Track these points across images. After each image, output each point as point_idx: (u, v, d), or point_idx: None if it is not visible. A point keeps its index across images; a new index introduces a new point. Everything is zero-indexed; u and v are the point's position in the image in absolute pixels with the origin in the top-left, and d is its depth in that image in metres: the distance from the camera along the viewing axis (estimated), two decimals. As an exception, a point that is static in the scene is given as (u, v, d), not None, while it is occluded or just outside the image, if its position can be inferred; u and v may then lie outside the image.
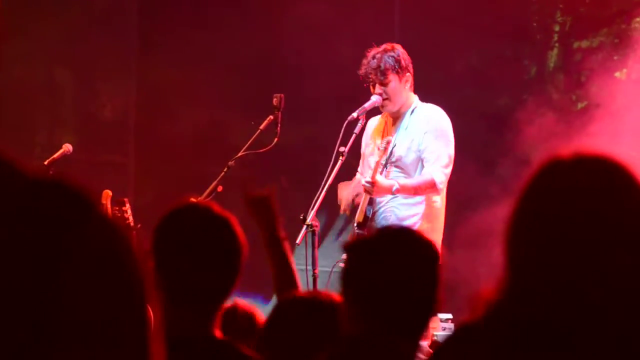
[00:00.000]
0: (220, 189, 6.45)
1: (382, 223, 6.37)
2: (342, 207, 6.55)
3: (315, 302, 3.15)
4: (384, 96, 6.49)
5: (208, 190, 6.44)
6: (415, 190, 6.36)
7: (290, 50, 9.67)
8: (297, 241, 6.17)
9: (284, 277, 3.56)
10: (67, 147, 6.72)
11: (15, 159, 1.34)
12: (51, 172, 6.43)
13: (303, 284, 6.36)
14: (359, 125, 6.53)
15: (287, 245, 3.69)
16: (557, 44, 9.42)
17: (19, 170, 1.33)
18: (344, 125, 6.46)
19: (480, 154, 8.83)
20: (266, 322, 3.23)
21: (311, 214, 6.23)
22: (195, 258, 2.94)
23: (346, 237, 7.38)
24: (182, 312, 2.92)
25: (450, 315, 6.52)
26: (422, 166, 6.44)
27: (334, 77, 9.03)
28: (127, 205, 6.40)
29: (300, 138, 9.42)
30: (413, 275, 2.79)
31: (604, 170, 2.10)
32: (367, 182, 6.23)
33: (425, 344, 5.66)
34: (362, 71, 6.53)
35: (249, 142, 6.57)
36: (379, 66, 6.47)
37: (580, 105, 8.82)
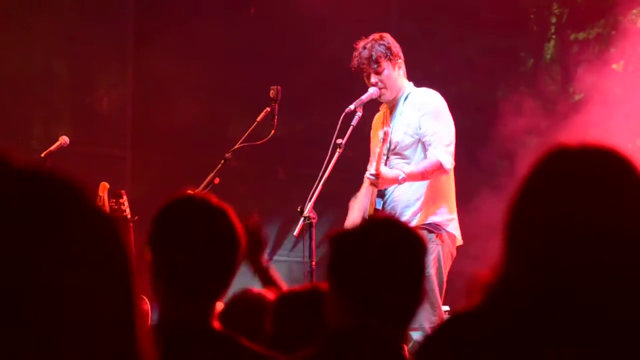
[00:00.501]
0: (217, 181, 6.44)
1: (391, 212, 6.36)
2: None
3: (315, 294, 3.16)
4: (380, 85, 6.49)
5: (205, 182, 6.44)
6: (422, 175, 6.34)
7: (287, 42, 9.66)
8: (295, 233, 6.18)
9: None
10: (64, 139, 6.71)
11: (4, 150, 1.34)
12: (48, 164, 6.43)
13: (301, 276, 6.37)
14: (356, 118, 6.53)
15: (271, 270, 3.76)
16: (553, 36, 9.43)
17: (8, 161, 1.33)
18: (341, 117, 6.46)
19: (476, 145, 8.83)
20: (269, 316, 3.24)
21: (308, 206, 6.23)
22: (193, 249, 2.95)
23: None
24: (181, 303, 2.92)
25: (447, 308, 6.52)
26: (423, 149, 6.43)
27: (332, 69, 9.03)
28: (124, 198, 6.39)
29: (298, 130, 9.42)
30: (398, 264, 2.80)
31: (608, 161, 2.10)
32: (372, 174, 6.21)
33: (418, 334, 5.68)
34: (354, 64, 6.53)
35: (246, 134, 6.56)
36: (371, 55, 6.47)
37: (577, 97, 8.82)
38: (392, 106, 6.60)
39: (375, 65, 6.47)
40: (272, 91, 6.62)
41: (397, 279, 2.79)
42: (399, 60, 6.54)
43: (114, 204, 6.31)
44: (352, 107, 6.50)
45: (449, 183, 6.51)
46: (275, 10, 9.69)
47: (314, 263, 6.21)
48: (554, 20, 9.44)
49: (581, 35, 9.05)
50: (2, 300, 1.26)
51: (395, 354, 2.77)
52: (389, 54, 6.49)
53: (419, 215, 6.38)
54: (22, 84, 9.37)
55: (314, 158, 6.83)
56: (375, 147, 6.56)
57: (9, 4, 9.29)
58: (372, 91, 6.52)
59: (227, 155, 6.57)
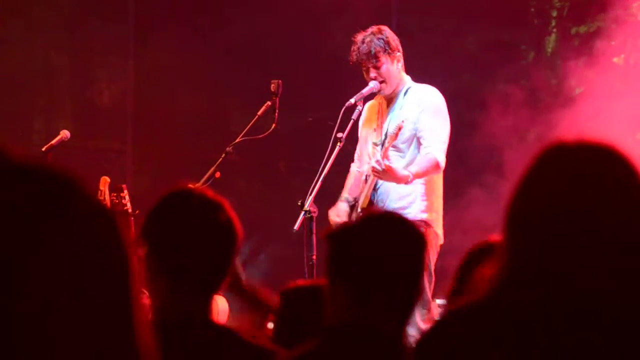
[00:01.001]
0: (218, 175, 6.45)
1: (379, 205, 6.36)
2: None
3: (317, 289, 3.16)
4: (379, 79, 6.48)
5: (206, 176, 6.44)
6: (423, 175, 6.35)
7: (288, 36, 9.65)
8: (295, 227, 6.18)
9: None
10: (65, 134, 6.71)
11: (5, 144, 1.34)
12: (49, 159, 6.44)
13: (302, 270, 6.38)
14: (357, 111, 6.53)
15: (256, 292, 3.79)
16: (554, 29, 9.42)
17: (8, 155, 1.33)
18: (342, 111, 6.45)
19: (477, 139, 8.83)
20: (274, 312, 3.25)
21: (309, 199, 6.23)
22: (189, 242, 2.95)
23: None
24: (179, 297, 2.92)
25: (443, 301, 6.53)
26: (418, 144, 6.42)
27: (332, 63, 9.02)
28: (125, 192, 6.40)
29: (298, 124, 9.42)
30: (397, 259, 2.80)
31: (605, 158, 2.11)
32: (378, 161, 6.15)
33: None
34: (353, 58, 6.52)
35: (246, 128, 6.56)
36: (370, 50, 6.46)
37: (577, 91, 8.82)
38: (390, 99, 6.59)
39: (374, 60, 6.46)
40: (273, 85, 6.62)
41: (396, 273, 2.79)
42: (398, 54, 6.53)
43: (114, 198, 6.31)
44: (352, 100, 6.49)
45: (439, 182, 6.53)
46: (275, 4, 9.68)
47: (314, 257, 6.21)
48: (554, 13, 9.43)
49: (582, 29, 9.04)
50: (2, 295, 1.26)
51: (395, 348, 2.77)
52: (387, 48, 6.48)
53: (408, 210, 6.38)
54: (22, 78, 9.37)
55: (314, 152, 6.83)
56: (368, 136, 6.56)
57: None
58: (372, 85, 6.51)
59: (227, 149, 6.57)
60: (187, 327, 2.90)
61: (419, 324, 5.85)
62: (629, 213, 2.06)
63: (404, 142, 6.43)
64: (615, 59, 8.70)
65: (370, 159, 6.48)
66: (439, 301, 6.46)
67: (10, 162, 1.32)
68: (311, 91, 9.33)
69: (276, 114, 6.56)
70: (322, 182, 6.30)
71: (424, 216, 6.41)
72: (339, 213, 6.56)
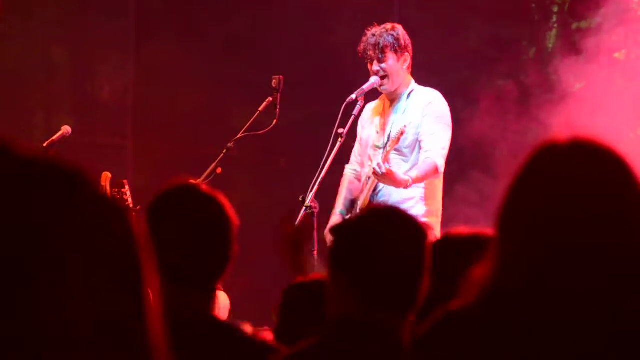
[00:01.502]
0: (219, 170, 6.45)
1: None
2: None
3: (318, 285, 3.16)
4: (381, 73, 6.48)
5: (207, 172, 6.44)
6: (423, 179, 6.35)
7: (290, 31, 9.65)
8: (296, 223, 6.18)
9: None
10: (66, 129, 6.71)
11: (9, 138, 1.34)
12: (50, 154, 6.44)
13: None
14: (358, 107, 6.53)
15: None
16: (555, 25, 9.41)
17: (13, 149, 1.32)
18: (343, 106, 6.45)
19: (478, 134, 8.82)
20: (277, 309, 3.25)
21: (310, 195, 6.23)
22: (186, 238, 2.95)
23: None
24: (178, 292, 2.92)
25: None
26: (420, 148, 6.42)
27: (334, 59, 9.02)
28: (127, 187, 6.39)
29: (299, 120, 9.41)
30: (400, 252, 2.80)
31: (598, 156, 2.10)
32: (379, 165, 6.15)
33: None
34: (360, 48, 6.52)
35: (248, 124, 6.56)
36: (378, 43, 6.45)
37: (578, 86, 8.81)
38: (393, 99, 6.58)
39: (380, 54, 6.45)
40: (274, 81, 6.62)
41: (398, 268, 2.79)
42: (406, 54, 6.51)
43: (116, 193, 6.31)
44: (353, 96, 6.49)
45: (439, 186, 6.54)
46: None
47: (315, 252, 6.21)
48: (555, 9, 9.43)
49: (583, 24, 9.04)
50: (8, 290, 1.26)
51: (397, 343, 2.77)
52: (395, 46, 6.47)
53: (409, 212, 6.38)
54: (23, 73, 9.37)
55: (315, 148, 6.83)
56: (369, 138, 6.56)
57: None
58: (373, 80, 6.51)
59: (229, 144, 6.57)
60: (186, 323, 2.90)
61: None
62: (623, 213, 2.06)
63: (407, 147, 6.44)
64: (616, 55, 8.70)
65: (371, 161, 6.47)
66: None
67: (16, 156, 1.32)
68: (312, 87, 9.33)
69: (277, 110, 6.56)
70: (323, 178, 6.30)
71: (424, 220, 6.42)
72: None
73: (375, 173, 6.18)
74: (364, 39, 6.50)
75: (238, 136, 6.59)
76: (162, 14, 9.79)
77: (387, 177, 6.16)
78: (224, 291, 6.10)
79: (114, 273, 1.32)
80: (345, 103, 6.47)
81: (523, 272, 2.05)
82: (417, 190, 6.42)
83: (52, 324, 1.27)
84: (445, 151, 6.40)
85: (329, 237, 6.49)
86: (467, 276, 2.15)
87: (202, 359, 2.93)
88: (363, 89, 6.52)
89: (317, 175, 6.32)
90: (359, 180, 6.67)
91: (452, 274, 2.66)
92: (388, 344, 2.76)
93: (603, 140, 2.13)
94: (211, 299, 2.99)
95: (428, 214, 6.46)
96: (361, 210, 6.39)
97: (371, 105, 6.73)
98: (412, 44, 6.61)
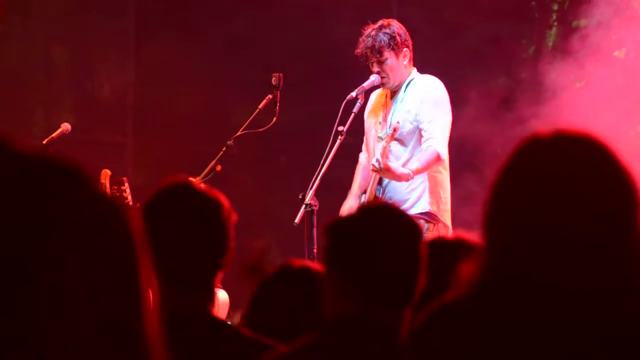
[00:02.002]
0: (219, 168, 6.45)
1: (387, 200, 6.36)
2: None
3: (306, 272, 3.16)
4: (382, 74, 6.48)
5: (207, 170, 6.44)
6: (425, 169, 6.32)
7: (289, 29, 9.65)
8: (296, 221, 6.18)
9: None
10: (66, 127, 6.71)
11: (10, 135, 1.34)
12: (50, 151, 6.44)
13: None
14: (358, 105, 6.53)
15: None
16: (555, 23, 9.42)
17: (12, 147, 1.33)
18: (343, 104, 6.45)
19: (478, 132, 8.82)
20: (254, 295, 3.23)
21: (310, 193, 6.23)
22: (182, 235, 2.94)
23: None
24: (176, 291, 2.91)
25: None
26: (420, 135, 6.41)
27: (333, 56, 9.02)
28: (126, 185, 6.39)
29: (299, 117, 9.41)
30: (395, 251, 2.80)
31: (583, 147, 2.10)
32: (378, 160, 6.14)
33: None
34: (358, 51, 6.51)
35: (247, 122, 6.56)
36: (374, 45, 6.44)
37: (578, 84, 8.81)
38: (395, 91, 6.58)
39: (378, 55, 6.45)
40: (274, 78, 6.62)
41: (393, 266, 2.80)
42: (404, 49, 6.50)
43: (115, 191, 6.31)
44: (353, 94, 6.49)
45: (446, 174, 6.50)
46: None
47: (315, 250, 6.21)
48: (555, 7, 9.43)
49: (583, 23, 9.03)
50: (7, 289, 1.26)
51: (394, 341, 2.77)
52: (392, 44, 6.46)
53: (416, 204, 6.38)
54: (23, 71, 9.37)
55: (315, 145, 6.83)
56: (372, 127, 6.56)
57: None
58: (373, 78, 6.51)
59: (228, 142, 6.57)
60: (184, 322, 2.90)
61: None
62: (610, 205, 2.06)
63: (406, 135, 6.42)
64: (616, 53, 8.70)
65: (375, 152, 6.48)
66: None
67: (15, 154, 1.32)
68: (312, 84, 9.33)
69: (277, 108, 6.56)
70: (323, 175, 6.30)
71: (433, 209, 6.40)
72: (351, 208, 6.56)
73: (374, 169, 6.18)
74: (361, 40, 6.49)
75: (238, 134, 6.59)
76: (162, 13, 9.79)
77: (387, 172, 6.16)
78: (224, 289, 6.10)
79: (112, 271, 1.32)
80: (345, 101, 6.47)
81: (509, 268, 2.05)
82: (422, 181, 6.39)
83: (52, 323, 1.27)
84: (446, 137, 6.36)
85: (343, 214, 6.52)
86: (456, 273, 2.16)
87: (200, 358, 2.93)
88: (363, 86, 6.52)
89: (317, 173, 6.32)
90: None
91: (445, 271, 2.68)
92: (385, 342, 2.76)
93: (588, 131, 2.12)
94: (209, 297, 2.98)
95: (435, 202, 6.42)
96: (367, 203, 6.38)
97: (374, 95, 6.72)
98: (411, 41, 6.60)
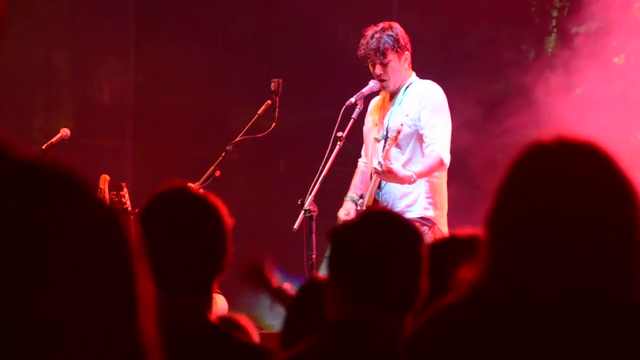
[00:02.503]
0: (218, 173, 6.45)
1: (385, 203, 6.36)
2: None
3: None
4: (383, 77, 6.48)
5: (206, 175, 6.44)
6: (428, 173, 6.33)
7: (289, 33, 9.66)
8: (295, 226, 6.18)
9: None
10: (65, 131, 6.71)
11: (8, 141, 1.34)
12: (49, 156, 6.43)
13: (301, 269, 6.38)
14: (357, 110, 6.53)
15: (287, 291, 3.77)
16: (555, 29, 9.42)
17: (9, 152, 1.32)
18: (342, 110, 6.46)
19: (476, 138, 8.83)
20: (287, 315, 3.25)
21: (309, 199, 6.23)
22: (179, 241, 2.93)
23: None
24: (173, 297, 2.90)
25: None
26: (419, 140, 6.42)
27: (333, 61, 9.03)
28: (125, 190, 6.39)
29: (298, 123, 9.42)
30: (395, 256, 2.81)
31: (585, 155, 2.11)
32: (380, 163, 6.14)
33: None
34: (360, 52, 6.51)
35: (247, 127, 6.57)
36: (378, 47, 6.45)
37: (578, 91, 8.82)
38: (393, 94, 6.59)
39: (382, 57, 6.45)
40: (273, 84, 6.62)
41: (394, 271, 2.80)
42: (406, 52, 6.52)
43: (114, 196, 6.31)
44: (352, 100, 6.50)
45: (443, 179, 6.51)
46: (276, 2, 9.68)
47: (314, 256, 6.21)
48: (555, 13, 9.44)
49: (582, 29, 9.04)
50: (2, 292, 1.26)
51: (395, 345, 2.77)
52: (396, 46, 6.47)
53: (412, 208, 6.38)
54: (22, 75, 9.37)
55: (314, 151, 6.84)
56: (370, 131, 6.57)
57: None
58: (372, 84, 6.52)
59: (228, 147, 6.57)
60: (181, 328, 2.89)
61: None
62: (609, 208, 2.06)
63: (404, 139, 6.43)
64: (615, 59, 8.70)
65: (374, 155, 6.49)
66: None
67: (13, 159, 1.32)
68: (311, 90, 9.33)
69: (276, 113, 6.57)
70: (322, 181, 6.30)
71: (428, 214, 6.40)
72: (348, 211, 6.57)
73: (376, 172, 6.18)
74: (363, 42, 6.49)
75: (237, 139, 6.59)
76: (162, 17, 9.80)
77: (389, 175, 6.16)
78: (221, 294, 6.09)
79: (109, 277, 1.32)
80: (344, 106, 6.48)
81: (511, 274, 2.06)
82: (421, 185, 6.39)
83: (47, 326, 1.27)
84: (448, 142, 6.39)
85: (340, 217, 6.53)
86: (457, 276, 2.17)
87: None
88: (362, 92, 6.53)
89: (316, 178, 6.32)
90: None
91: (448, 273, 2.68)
92: (386, 347, 2.76)
93: (590, 138, 2.13)
94: (208, 303, 2.97)
95: (433, 207, 6.43)
96: (367, 207, 6.38)
97: (374, 101, 6.74)
98: (411, 45, 6.61)
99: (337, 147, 6.38)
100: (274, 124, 6.58)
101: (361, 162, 6.81)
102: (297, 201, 6.28)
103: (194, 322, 2.92)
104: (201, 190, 3.05)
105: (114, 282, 1.32)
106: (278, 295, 3.81)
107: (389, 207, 6.25)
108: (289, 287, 3.83)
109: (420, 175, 6.25)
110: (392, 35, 6.48)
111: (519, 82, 9.18)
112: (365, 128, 6.69)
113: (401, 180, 6.20)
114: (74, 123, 9.01)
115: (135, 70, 9.81)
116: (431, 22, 9.39)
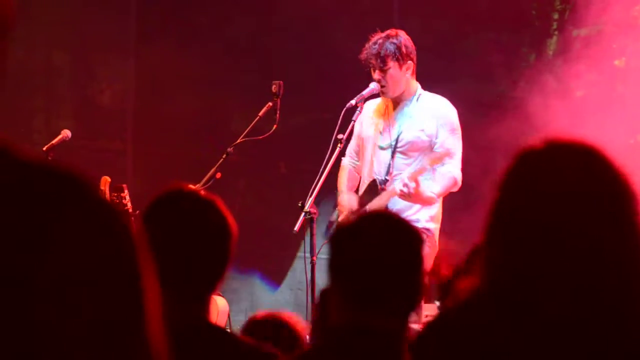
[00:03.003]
0: (218, 175, 6.45)
1: None
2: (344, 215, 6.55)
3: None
4: (382, 83, 6.49)
5: (207, 177, 6.45)
6: (445, 193, 6.54)
7: (289, 37, 9.65)
8: (295, 228, 6.18)
9: None
10: (66, 133, 6.71)
11: (11, 142, 1.34)
12: (50, 158, 6.43)
13: (301, 271, 6.38)
14: (357, 113, 6.54)
15: None
16: (556, 32, 9.42)
17: (12, 153, 1.32)
18: (343, 112, 6.46)
19: (479, 141, 8.83)
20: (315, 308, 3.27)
21: (309, 201, 6.23)
22: (183, 243, 2.93)
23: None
24: (175, 300, 2.90)
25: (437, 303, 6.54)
26: (428, 152, 6.47)
27: (333, 64, 9.03)
28: (126, 192, 6.40)
29: (299, 125, 9.42)
30: (396, 258, 2.81)
31: (576, 156, 2.10)
32: (406, 186, 6.20)
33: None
34: (363, 56, 6.53)
35: (247, 129, 6.57)
36: (379, 52, 6.46)
37: (578, 93, 8.82)
38: (397, 103, 6.59)
39: (382, 64, 6.46)
40: (274, 86, 6.63)
41: (393, 274, 2.80)
42: (409, 62, 6.52)
43: (115, 198, 6.32)
44: (353, 102, 6.51)
45: None
46: (277, 4, 9.68)
47: (314, 258, 6.21)
48: (556, 16, 9.44)
49: (583, 32, 9.04)
50: (6, 293, 1.26)
51: (397, 348, 2.77)
52: (397, 54, 6.48)
53: (414, 218, 6.40)
54: (23, 76, 9.37)
55: (315, 153, 6.84)
56: (371, 137, 6.57)
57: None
58: (372, 86, 6.53)
59: (228, 149, 6.57)
60: (183, 331, 2.89)
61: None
62: (604, 207, 2.06)
63: (417, 151, 6.50)
64: (616, 62, 8.70)
65: (374, 161, 6.51)
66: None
67: (15, 160, 1.32)
68: (312, 92, 9.33)
69: (277, 115, 6.57)
70: (323, 183, 6.30)
71: (430, 225, 6.49)
72: (350, 201, 6.60)
73: (402, 193, 6.24)
74: (366, 46, 6.51)
75: (238, 141, 6.59)
76: (163, 19, 9.80)
77: (414, 197, 6.26)
78: (223, 296, 6.09)
79: (114, 276, 1.32)
80: (344, 109, 6.48)
81: (509, 282, 2.06)
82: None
83: (51, 327, 1.27)
84: (460, 163, 6.52)
85: (344, 204, 6.55)
86: (456, 284, 2.18)
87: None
88: (362, 94, 6.53)
89: (316, 180, 6.32)
90: (358, 173, 6.72)
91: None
92: (388, 350, 2.76)
93: (580, 138, 2.12)
94: (209, 305, 2.97)
95: (433, 219, 6.53)
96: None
97: (372, 104, 6.73)
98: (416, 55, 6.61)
99: (338, 149, 6.39)
100: (275, 126, 6.59)
101: (347, 161, 6.81)
102: (297, 203, 6.28)
103: (196, 324, 2.92)
104: (203, 192, 3.04)
105: (121, 282, 1.32)
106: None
107: None
108: None
109: (439, 196, 6.45)
110: (395, 43, 6.49)
111: (519, 85, 9.19)
112: (365, 132, 6.68)
113: (424, 201, 6.34)
114: (75, 124, 9.01)
115: (136, 72, 9.80)
116: (432, 24, 9.39)
